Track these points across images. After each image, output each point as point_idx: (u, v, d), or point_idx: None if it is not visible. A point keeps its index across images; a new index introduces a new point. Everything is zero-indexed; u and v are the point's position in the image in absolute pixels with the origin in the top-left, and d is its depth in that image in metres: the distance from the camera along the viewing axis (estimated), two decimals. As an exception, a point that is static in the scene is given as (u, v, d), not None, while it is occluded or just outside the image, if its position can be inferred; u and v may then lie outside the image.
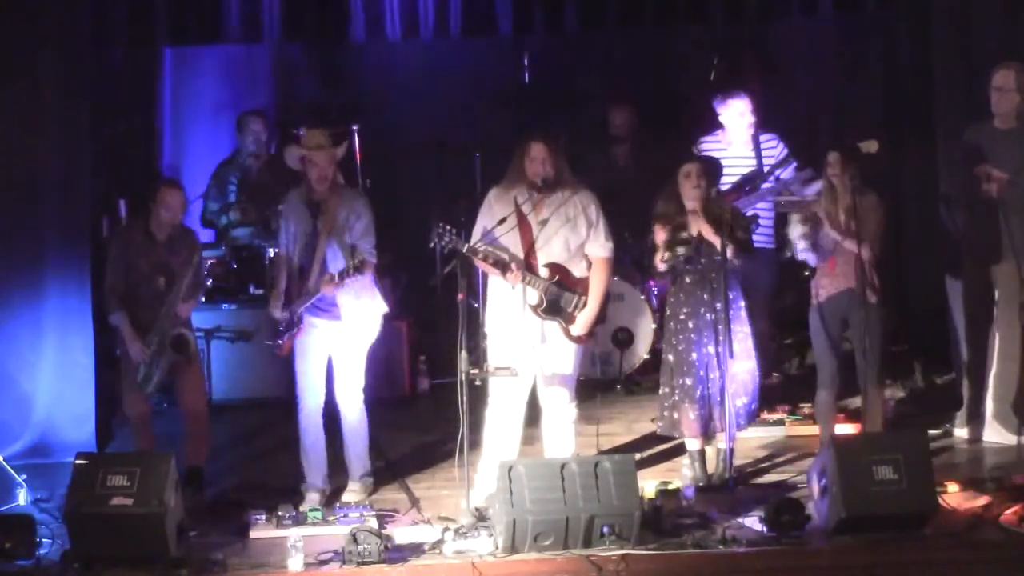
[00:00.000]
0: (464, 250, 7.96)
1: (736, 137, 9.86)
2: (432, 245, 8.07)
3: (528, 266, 8.11)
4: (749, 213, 8.74)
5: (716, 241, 8.21)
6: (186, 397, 8.63)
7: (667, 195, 8.42)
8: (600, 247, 8.21)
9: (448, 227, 7.95)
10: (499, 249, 8.08)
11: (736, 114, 9.83)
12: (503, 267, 8.05)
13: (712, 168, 8.56)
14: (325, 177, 8.24)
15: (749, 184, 9.70)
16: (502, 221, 8.04)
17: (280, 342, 8.34)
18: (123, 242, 8.57)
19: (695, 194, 8.32)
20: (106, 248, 8.83)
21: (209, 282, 10.55)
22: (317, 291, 8.17)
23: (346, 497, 8.31)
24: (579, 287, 8.16)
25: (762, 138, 9.88)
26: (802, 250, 8.48)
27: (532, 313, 8.11)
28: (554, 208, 8.12)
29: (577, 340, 8.20)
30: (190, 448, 8.60)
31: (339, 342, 8.32)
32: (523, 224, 8.13)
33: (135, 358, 8.38)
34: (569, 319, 8.15)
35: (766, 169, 9.76)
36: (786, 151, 9.81)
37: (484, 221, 8.17)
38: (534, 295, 8.11)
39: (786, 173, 9.70)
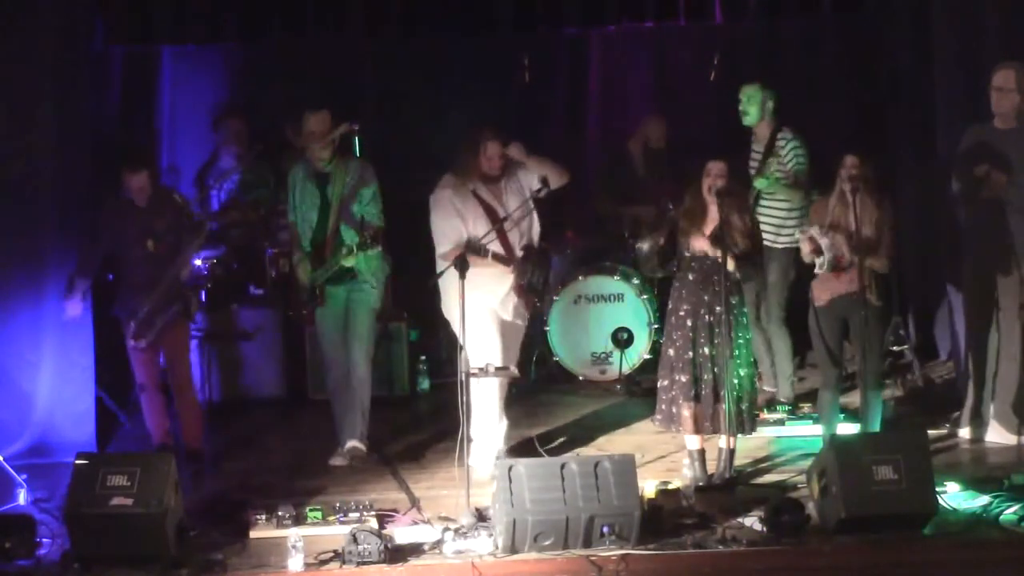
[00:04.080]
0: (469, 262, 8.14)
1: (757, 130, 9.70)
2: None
3: (508, 251, 8.54)
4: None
5: (716, 254, 8.19)
6: (175, 368, 8.96)
7: (692, 191, 8.38)
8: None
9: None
10: (488, 248, 8.48)
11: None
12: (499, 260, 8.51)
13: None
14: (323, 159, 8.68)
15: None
16: (503, 220, 8.37)
17: (304, 312, 8.79)
18: (110, 211, 8.87)
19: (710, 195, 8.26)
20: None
21: (209, 285, 10.56)
22: (336, 263, 8.58)
23: (348, 447, 8.73)
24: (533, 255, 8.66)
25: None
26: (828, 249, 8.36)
27: (516, 295, 8.56)
28: (512, 194, 8.55)
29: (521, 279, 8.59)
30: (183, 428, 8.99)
31: (353, 298, 8.76)
32: (492, 216, 8.52)
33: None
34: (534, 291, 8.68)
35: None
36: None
37: (454, 222, 8.49)
38: (509, 279, 8.53)
39: None
